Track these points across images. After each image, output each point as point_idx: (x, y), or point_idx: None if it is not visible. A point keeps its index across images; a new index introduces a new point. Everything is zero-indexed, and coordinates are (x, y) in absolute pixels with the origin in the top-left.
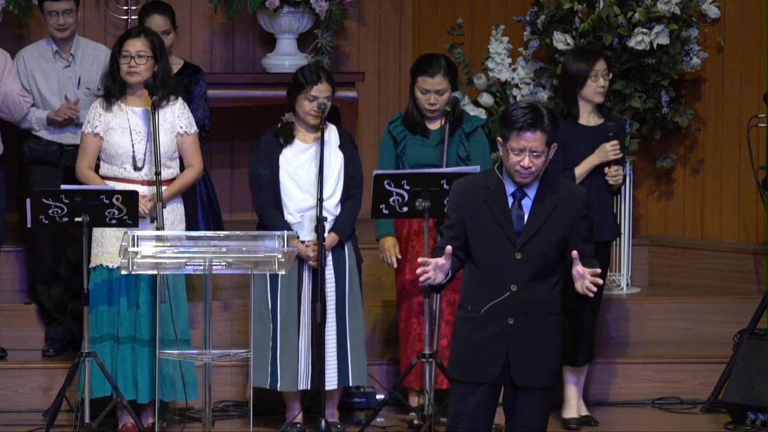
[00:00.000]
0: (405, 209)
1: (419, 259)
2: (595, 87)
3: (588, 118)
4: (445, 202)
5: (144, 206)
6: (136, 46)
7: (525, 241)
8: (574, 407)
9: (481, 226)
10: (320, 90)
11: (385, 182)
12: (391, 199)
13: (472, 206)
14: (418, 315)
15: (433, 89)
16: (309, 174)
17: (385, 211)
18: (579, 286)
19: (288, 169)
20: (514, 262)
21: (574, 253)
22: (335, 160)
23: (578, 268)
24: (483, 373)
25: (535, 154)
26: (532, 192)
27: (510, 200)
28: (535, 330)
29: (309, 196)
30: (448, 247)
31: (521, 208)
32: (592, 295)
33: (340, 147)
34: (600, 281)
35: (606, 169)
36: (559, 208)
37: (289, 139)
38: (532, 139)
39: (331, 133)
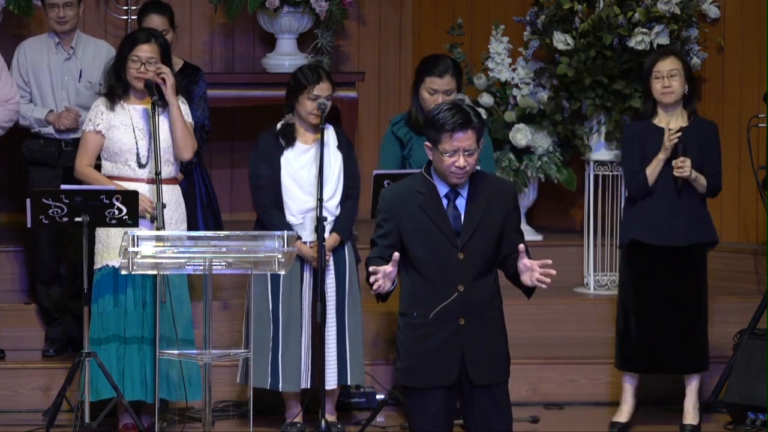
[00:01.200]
0: None
1: (371, 268)
2: (659, 88)
3: (668, 119)
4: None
5: (146, 207)
6: (147, 51)
7: (465, 241)
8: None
9: (419, 231)
10: (322, 89)
11: (385, 182)
12: None
13: (406, 212)
14: None
15: (442, 89)
16: (311, 175)
17: None
18: (527, 278)
19: (290, 171)
20: (458, 262)
21: (521, 246)
22: (335, 160)
23: (525, 261)
24: (442, 377)
25: (468, 152)
26: (464, 191)
27: (444, 202)
28: (485, 327)
29: (311, 197)
30: (396, 254)
31: (456, 208)
32: (544, 286)
33: (338, 147)
34: (553, 272)
35: (673, 162)
36: (492, 204)
37: (290, 140)
38: (464, 139)
39: (329, 134)
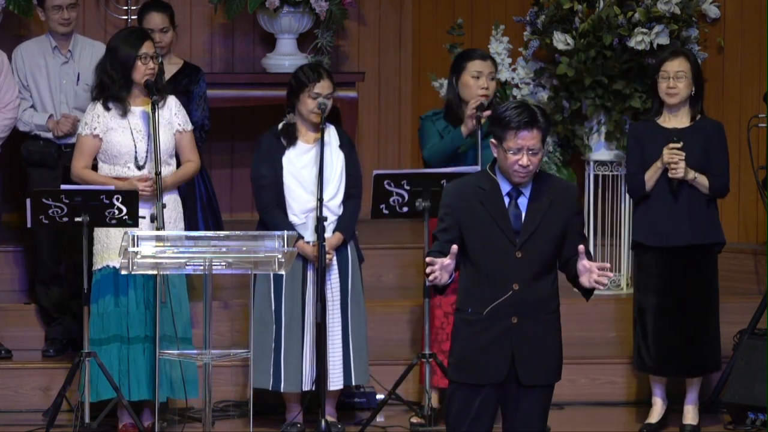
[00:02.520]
0: (405, 209)
1: (427, 259)
2: (664, 88)
3: (670, 119)
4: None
5: (144, 192)
6: (150, 47)
7: (524, 240)
8: (690, 414)
9: (478, 228)
10: (323, 87)
11: (385, 182)
12: (391, 199)
13: (467, 208)
14: (448, 315)
15: (486, 71)
16: (312, 174)
17: (386, 211)
18: (585, 280)
19: (292, 170)
20: (515, 261)
21: (581, 247)
22: (337, 160)
23: (584, 262)
24: (491, 374)
25: (532, 152)
26: (527, 190)
27: (506, 200)
28: (539, 328)
29: (313, 196)
30: (454, 246)
31: (518, 207)
32: (602, 288)
33: (340, 146)
34: (611, 275)
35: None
36: (554, 205)
37: (292, 140)
38: (529, 138)
39: (331, 134)
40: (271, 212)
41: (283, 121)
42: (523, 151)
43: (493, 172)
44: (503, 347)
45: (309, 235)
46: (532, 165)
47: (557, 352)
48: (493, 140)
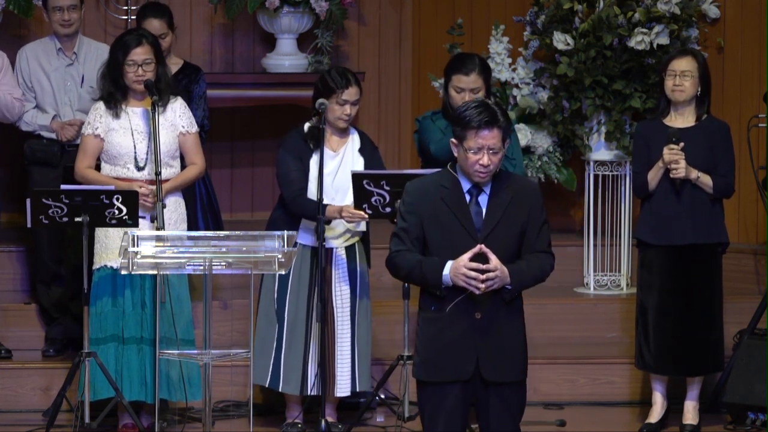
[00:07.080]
0: (388, 209)
1: (472, 266)
2: (671, 85)
3: (676, 118)
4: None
5: (145, 202)
6: (142, 54)
7: (485, 236)
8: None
9: (440, 225)
10: (351, 93)
11: (364, 182)
12: (373, 199)
13: (429, 206)
14: None
15: (468, 88)
16: (336, 181)
17: (369, 211)
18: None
19: (316, 175)
20: (477, 257)
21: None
22: (357, 165)
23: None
24: (457, 372)
25: (492, 151)
26: (487, 188)
27: (467, 197)
28: (502, 324)
29: (333, 203)
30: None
31: (479, 204)
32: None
33: (360, 150)
34: (490, 275)
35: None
36: (515, 202)
37: (318, 144)
38: (490, 137)
39: (354, 139)
40: (300, 199)
41: (309, 124)
42: (483, 151)
43: (454, 170)
44: (467, 344)
45: (339, 225)
46: (493, 164)
47: (521, 349)
48: (453, 140)
